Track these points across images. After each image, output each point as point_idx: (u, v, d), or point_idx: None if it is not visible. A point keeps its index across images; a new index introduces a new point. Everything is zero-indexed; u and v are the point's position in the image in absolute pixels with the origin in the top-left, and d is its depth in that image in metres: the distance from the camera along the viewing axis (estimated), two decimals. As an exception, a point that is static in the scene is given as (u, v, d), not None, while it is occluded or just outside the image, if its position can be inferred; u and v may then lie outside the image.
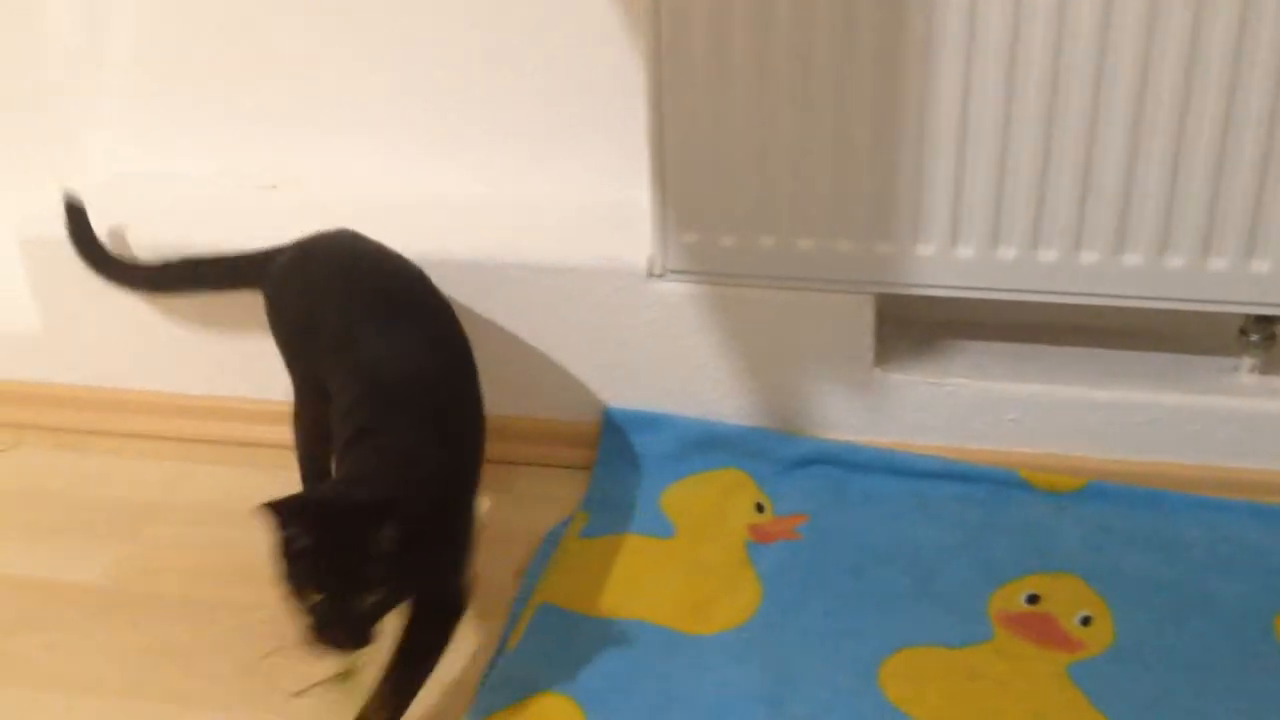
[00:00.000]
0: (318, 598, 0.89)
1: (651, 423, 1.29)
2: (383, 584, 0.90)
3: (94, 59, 1.42)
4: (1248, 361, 1.23)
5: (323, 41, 1.37)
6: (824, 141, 1.15)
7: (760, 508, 1.22)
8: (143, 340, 1.39)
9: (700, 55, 1.14)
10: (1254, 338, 1.21)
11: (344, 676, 0.98)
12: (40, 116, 1.47)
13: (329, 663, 0.95)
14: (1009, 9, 1.08)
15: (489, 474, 1.31)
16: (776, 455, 1.26)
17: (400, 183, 1.41)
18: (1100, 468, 1.23)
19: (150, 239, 1.33)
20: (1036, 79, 1.09)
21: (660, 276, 1.26)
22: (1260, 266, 1.14)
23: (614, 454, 1.28)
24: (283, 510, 0.89)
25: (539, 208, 1.36)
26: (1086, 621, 1.06)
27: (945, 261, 1.19)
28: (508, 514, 1.26)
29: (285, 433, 1.20)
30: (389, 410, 1.03)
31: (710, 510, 1.21)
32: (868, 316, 1.24)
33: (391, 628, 0.97)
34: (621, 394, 1.31)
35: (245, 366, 1.37)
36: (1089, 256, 1.16)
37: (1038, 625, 1.07)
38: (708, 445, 1.27)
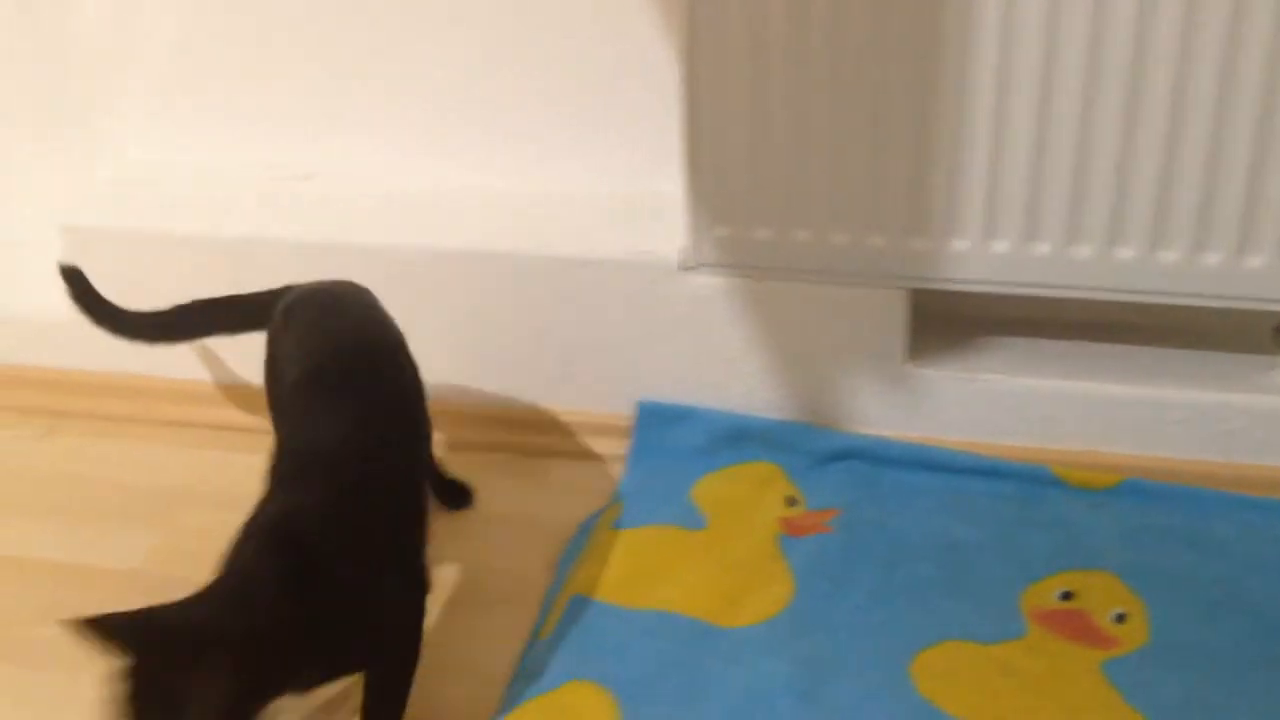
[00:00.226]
0: None
1: (684, 416, 1.29)
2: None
3: (128, 49, 1.43)
4: (1284, 360, 1.23)
5: (352, 31, 1.37)
6: (859, 134, 1.15)
7: (792, 501, 1.22)
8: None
9: (735, 47, 1.14)
10: (1290, 336, 1.21)
11: None
12: (75, 105, 1.48)
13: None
14: (1047, -1, 1.07)
15: (521, 465, 1.32)
16: (808, 449, 1.26)
17: (431, 176, 1.41)
18: (1135, 465, 1.23)
19: (182, 229, 1.34)
20: (1074, 70, 1.09)
21: (693, 270, 1.26)
22: (1299, 264, 1.13)
23: (646, 447, 1.28)
24: (102, 628, 0.81)
25: (570, 200, 1.36)
26: (1121, 619, 1.06)
27: (979, 256, 1.18)
28: (540, 505, 1.27)
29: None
30: (288, 489, 0.96)
31: (742, 503, 1.22)
32: (901, 311, 1.24)
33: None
34: (653, 387, 1.31)
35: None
36: (1125, 253, 1.15)
37: (1071, 622, 1.06)
38: (740, 439, 1.27)
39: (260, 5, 1.37)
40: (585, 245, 1.29)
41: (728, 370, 1.29)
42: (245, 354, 1.40)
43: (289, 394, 1.05)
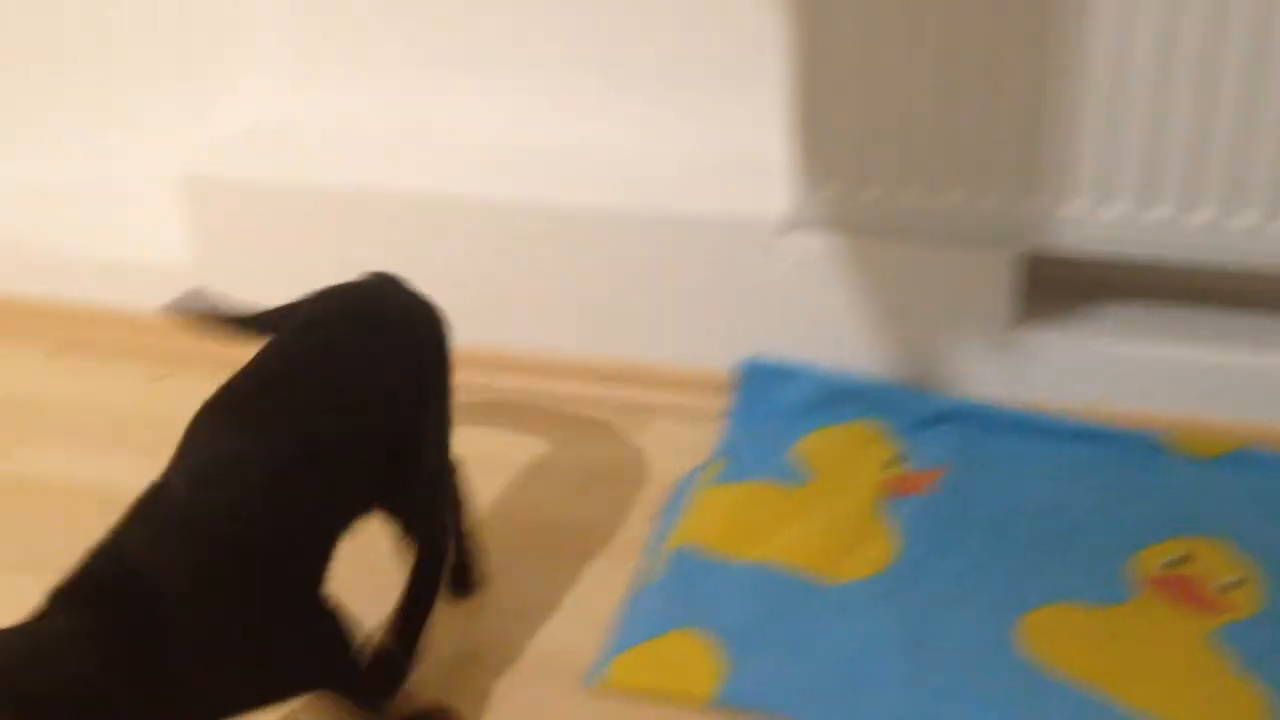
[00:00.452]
0: None
1: (788, 374, 1.29)
2: None
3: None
4: None
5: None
6: (971, 89, 1.13)
7: (896, 461, 1.22)
8: (292, 276, 1.43)
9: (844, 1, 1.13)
10: None
11: None
12: (195, 55, 1.51)
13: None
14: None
15: (621, 419, 1.34)
16: (913, 410, 1.26)
17: (531, 130, 1.43)
18: (1247, 433, 1.20)
19: (302, 180, 1.37)
20: (1198, 22, 1.06)
21: (797, 228, 1.26)
22: None
23: (749, 403, 1.29)
24: None
25: (673, 158, 1.37)
26: (1233, 585, 1.05)
27: (1094, 219, 1.16)
28: (639, 459, 1.28)
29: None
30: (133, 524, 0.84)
31: (845, 461, 1.22)
32: (1010, 273, 1.23)
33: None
34: (756, 344, 1.31)
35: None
36: (1246, 217, 1.13)
37: (1181, 588, 1.05)
38: (844, 398, 1.27)
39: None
40: (688, 203, 1.30)
41: (832, 329, 1.29)
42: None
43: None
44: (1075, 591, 1.05)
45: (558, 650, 1.06)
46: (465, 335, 1.45)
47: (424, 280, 1.36)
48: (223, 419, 0.90)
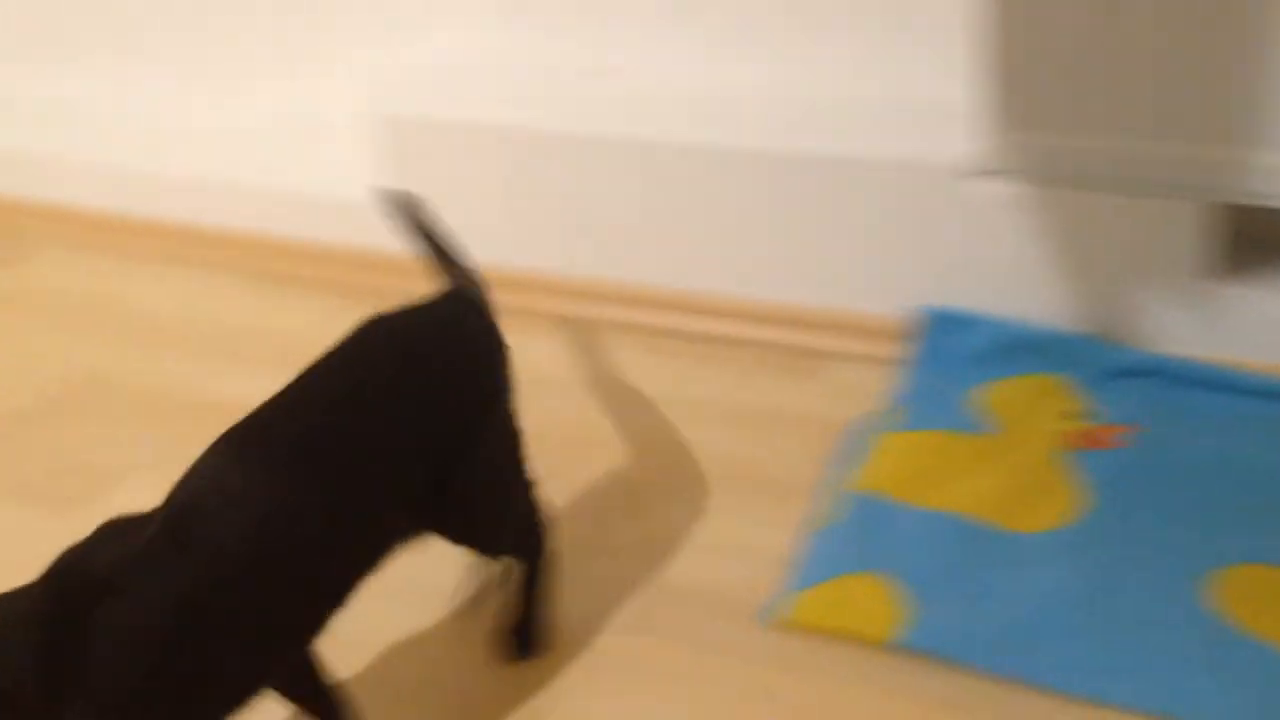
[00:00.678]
0: None
1: (970, 323, 1.28)
2: None
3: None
4: None
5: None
6: (1169, 32, 1.10)
7: (1080, 414, 1.20)
8: (478, 214, 1.47)
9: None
10: None
11: None
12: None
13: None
14: None
15: (793, 363, 1.34)
16: (1099, 363, 1.23)
17: (716, 75, 1.43)
18: None
19: (483, 119, 1.40)
20: None
21: (980, 175, 1.24)
22: None
23: (930, 351, 1.28)
24: None
25: (853, 102, 1.36)
26: None
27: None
28: (810, 403, 1.29)
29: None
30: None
31: (1028, 412, 1.20)
32: (1201, 225, 1.19)
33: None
34: (936, 292, 1.30)
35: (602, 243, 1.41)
36: None
37: (1388, 555, 1.02)
38: (1027, 348, 1.26)
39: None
40: (869, 147, 1.29)
41: (1014, 278, 1.27)
42: (566, 241, 1.45)
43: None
44: (1268, 553, 1.03)
45: (731, 585, 1.07)
46: (644, 277, 1.48)
47: (610, 222, 1.39)
48: (234, 452, 0.85)
